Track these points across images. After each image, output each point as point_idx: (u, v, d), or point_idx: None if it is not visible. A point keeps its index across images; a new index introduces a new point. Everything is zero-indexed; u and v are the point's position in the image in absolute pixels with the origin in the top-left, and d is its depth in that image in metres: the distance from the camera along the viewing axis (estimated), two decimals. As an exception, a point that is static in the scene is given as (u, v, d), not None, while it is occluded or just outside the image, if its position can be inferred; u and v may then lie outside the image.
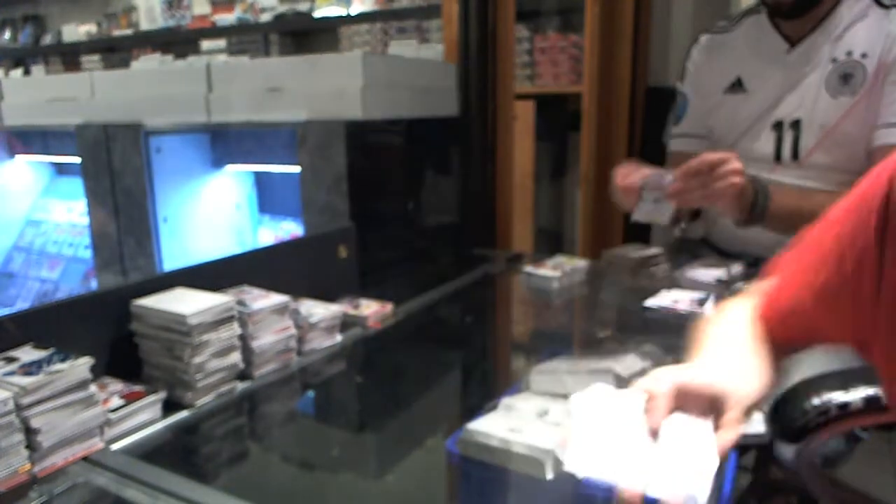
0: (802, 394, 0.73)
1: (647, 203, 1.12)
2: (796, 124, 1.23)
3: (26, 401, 0.64)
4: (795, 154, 1.24)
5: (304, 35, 3.45)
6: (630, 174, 1.14)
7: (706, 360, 0.57)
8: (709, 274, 1.23)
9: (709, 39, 1.39)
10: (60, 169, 2.23)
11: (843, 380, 0.73)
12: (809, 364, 0.86)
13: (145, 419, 0.76)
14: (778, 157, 1.26)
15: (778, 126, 1.26)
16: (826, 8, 1.20)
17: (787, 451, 0.75)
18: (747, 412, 0.53)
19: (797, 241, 0.61)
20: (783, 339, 0.61)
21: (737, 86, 1.32)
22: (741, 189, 1.08)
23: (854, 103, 1.16)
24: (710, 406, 0.51)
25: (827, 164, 1.21)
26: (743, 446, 0.79)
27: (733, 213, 1.13)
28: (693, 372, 0.53)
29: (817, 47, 1.21)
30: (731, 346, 0.59)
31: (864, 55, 1.16)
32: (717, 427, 0.50)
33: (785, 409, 0.75)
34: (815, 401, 0.71)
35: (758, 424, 0.80)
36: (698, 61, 1.39)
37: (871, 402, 0.70)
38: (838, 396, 0.71)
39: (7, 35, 4.51)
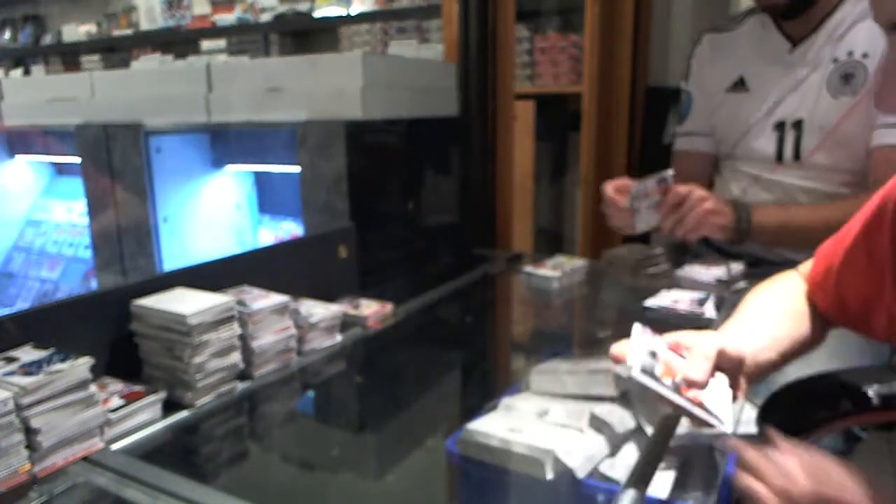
0: (792, 394, 0.73)
1: (643, 212, 1.15)
2: (798, 124, 1.23)
3: (26, 401, 0.64)
4: (797, 154, 1.24)
5: (304, 35, 3.46)
6: (618, 189, 1.19)
7: (741, 329, 0.70)
8: (709, 274, 1.23)
9: (712, 38, 1.39)
10: (60, 169, 2.23)
11: (832, 381, 0.73)
12: (799, 365, 0.86)
13: (145, 419, 0.76)
14: (780, 157, 1.26)
15: (780, 126, 1.26)
16: (827, 8, 1.20)
17: None
18: (755, 376, 0.67)
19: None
20: (823, 308, 0.73)
21: (739, 85, 1.32)
22: (718, 211, 1.14)
23: (855, 103, 1.17)
24: (735, 367, 0.63)
25: (828, 165, 1.22)
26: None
27: (719, 235, 1.19)
28: (730, 339, 0.65)
29: (819, 47, 1.21)
30: (763, 319, 0.71)
31: (865, 55, 1.16)
32: (731, 383, 0.63)
33: (775, 410, 0.75)
34: (806, 401, 0.72)
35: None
36: (702, 59, 1.39)
37: (861, 402, 0.70)
38: (828, 397, 0.71)
39: (7, 35, 4.52)
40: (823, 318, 0.73)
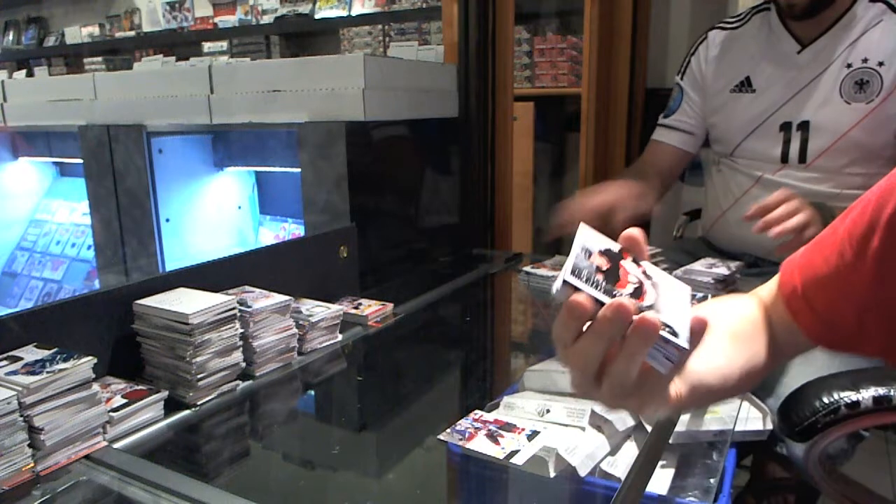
0: (811, 393, 0.73)
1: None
2: (804, 126, 1.23)
3: (29, 400, 0.64)
4: (803, 157, 1.23)
5: (305, 36, 3.46)
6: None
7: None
8: (708, 274, 1.24)
9: (717, 34, 1.37)
10: (63, 170, 2.25)
11: (853, 379, 0.73)
12: (817, 366, 0.86)
13: (147, 418, 0.77)
14: (784, 158, 1.25)
15: (785, 127, 1.25)
16: (839, 10, 1.19)
17: (796, 448, 0.75)
18: (692, 400, 0.49)
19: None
20: (807, 327, 0.58)
21: (745, 85, 1.30)
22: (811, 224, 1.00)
23: (869, 111, 1.15)
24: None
25: (834, 168, 1.21)
26: (742, 444, 0.79)
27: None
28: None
29: (829, 50, 1.20)
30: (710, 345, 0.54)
31: (880, 63, 1.15)
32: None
33: (794, 408, 0.75)
34: (825, 399, 0.71)
35: (757, 422, 0.81)
36: (704, 58, 1.37)
37: (880, 401, 0.70)
38: (848, 396, 0.71)
39: (11, 37, 4.53)
40: (803, 339, 0.58)
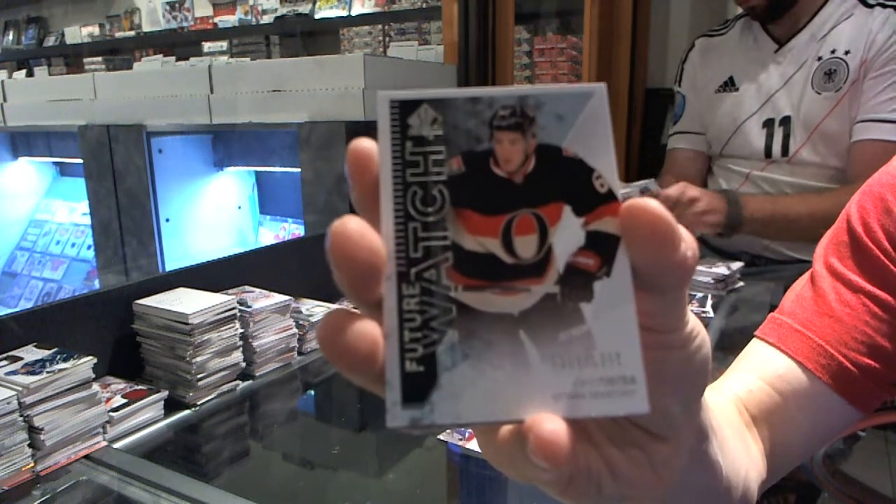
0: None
1: None
2: (786, 121, 1.25)
3: (29, 400, 0.64)
4: (785, 151, 1.26)
5: (305, 36, 3.46)
6: None
7: None
8: (708, 273, 1.24)
9: (703, 41, 1.42)
10: (63, 170, 2.25)
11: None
12: None
13: (147, 418, 0.77)
14: (769, 154, 1.28)
15: (768, 124, 1.28)
16: (811, 10, 1.22)
17: None
18: None
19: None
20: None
21: (729, 85, 1.34)
22: (711, 210, 1.14)
23: (838, 99, 1.18)
24: None
25: (815, 161, 1.24)
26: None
27: (710, 231, 1.18)
28: None
29: (804, 46, 1.23)
30: None
31: (847, 52, 1.18)
32: None
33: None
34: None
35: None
36: (694, 63, 1.42)
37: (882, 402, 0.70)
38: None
39: (11, 37, 4.53)
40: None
